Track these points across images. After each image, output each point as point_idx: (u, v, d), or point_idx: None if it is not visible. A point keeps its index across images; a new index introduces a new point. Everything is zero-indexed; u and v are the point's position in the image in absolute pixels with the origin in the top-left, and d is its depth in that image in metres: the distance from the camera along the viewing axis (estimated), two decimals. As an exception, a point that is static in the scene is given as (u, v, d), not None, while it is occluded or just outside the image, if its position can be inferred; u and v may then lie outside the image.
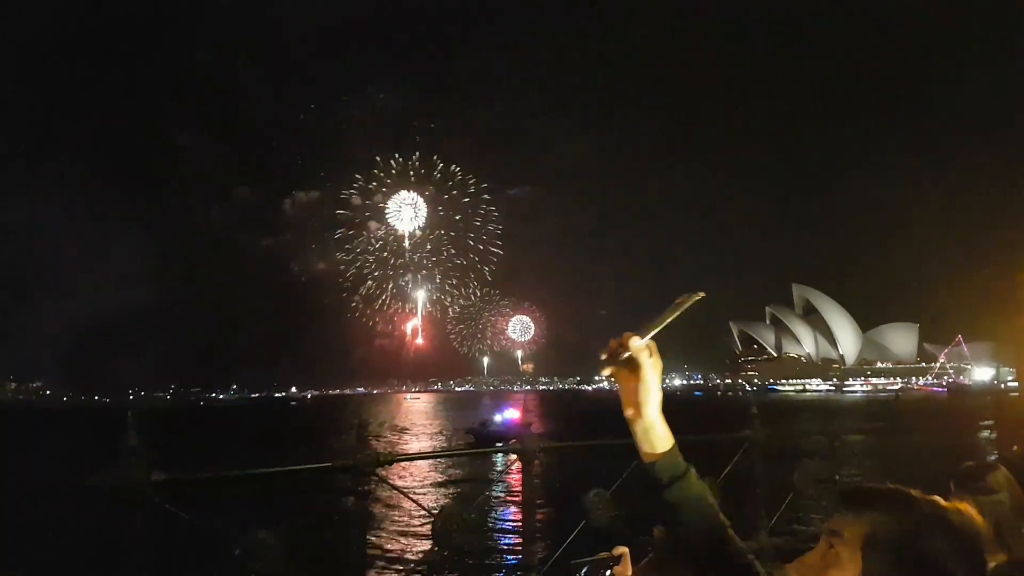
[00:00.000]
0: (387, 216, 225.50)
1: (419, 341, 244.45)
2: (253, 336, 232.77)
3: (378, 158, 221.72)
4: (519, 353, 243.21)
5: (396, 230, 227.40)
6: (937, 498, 1.18)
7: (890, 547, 1.13)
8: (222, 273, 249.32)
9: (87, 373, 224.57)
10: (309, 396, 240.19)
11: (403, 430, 63.53)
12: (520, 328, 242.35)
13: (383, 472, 4.14)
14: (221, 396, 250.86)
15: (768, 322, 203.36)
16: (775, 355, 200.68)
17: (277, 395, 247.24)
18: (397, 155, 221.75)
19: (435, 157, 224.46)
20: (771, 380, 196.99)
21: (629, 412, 1.34)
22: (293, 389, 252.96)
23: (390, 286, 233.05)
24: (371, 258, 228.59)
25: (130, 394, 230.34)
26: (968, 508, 1.19)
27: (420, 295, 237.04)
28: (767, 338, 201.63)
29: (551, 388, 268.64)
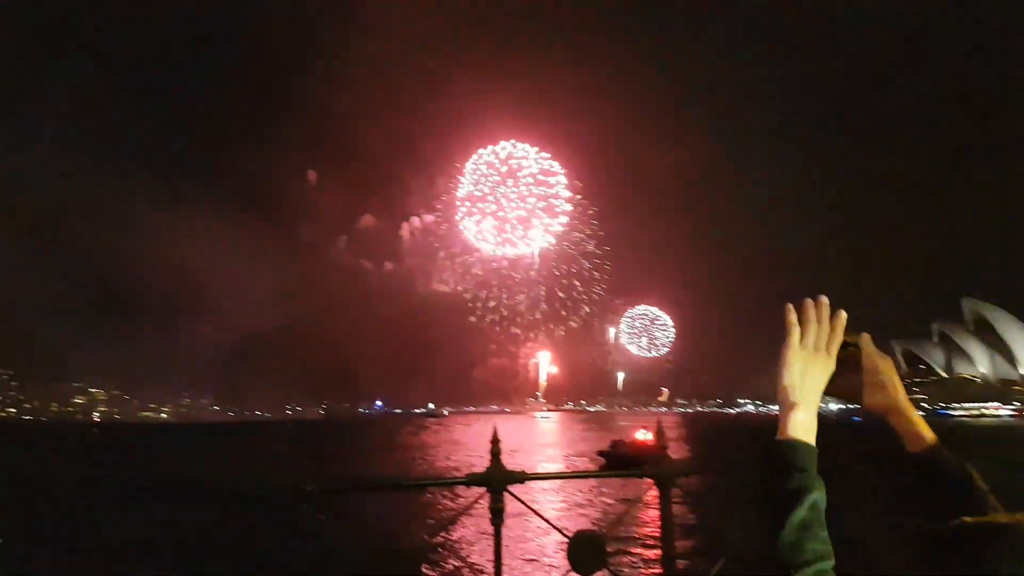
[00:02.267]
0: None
1: (536, 359, 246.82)
2: (387, 355, 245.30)
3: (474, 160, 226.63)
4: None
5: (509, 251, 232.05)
6: None
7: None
8: (356, 296, 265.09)
9: (249, 391, 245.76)
10: (447, 412, 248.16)
11: (534, 449, 63.79)
12: (655, 337, 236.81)
13: (515, 490, 4.13)
14: (367, 412, 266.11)
15: (935, 340, 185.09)
16: (945, 376, 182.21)
17: (417, 411, 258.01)
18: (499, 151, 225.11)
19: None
20: (941, 404, 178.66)
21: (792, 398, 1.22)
22: (431, 405, 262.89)
23: (510, 305, 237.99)
24: (487, 279, 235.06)
25: (288, 410, 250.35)
26: None
27: (541, 309, 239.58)
28: (935, 358, 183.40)
29: (689, 410, 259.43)
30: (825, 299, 1.28)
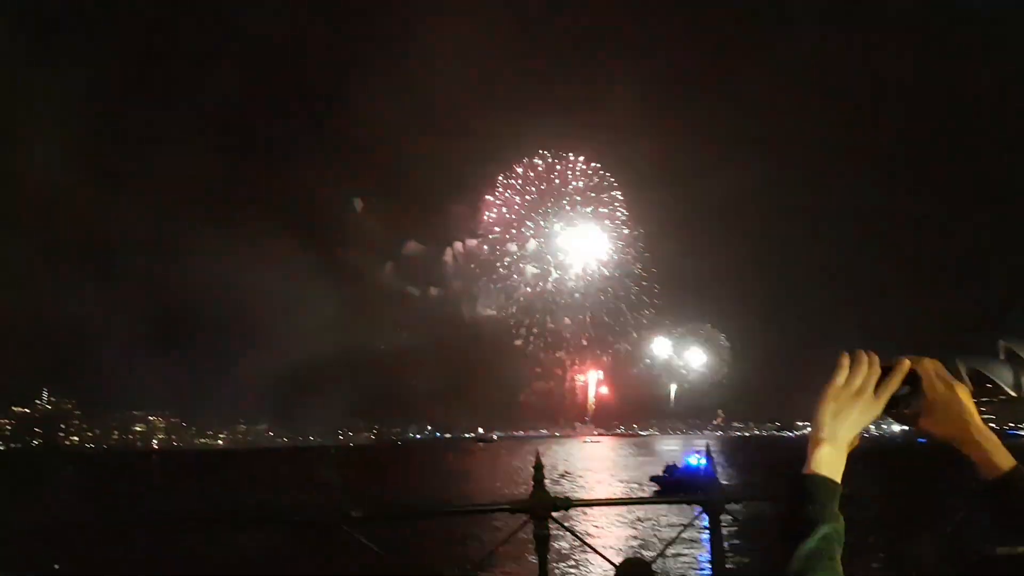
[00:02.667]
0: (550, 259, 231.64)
1: (584, 380, 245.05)
2: (435, 380, 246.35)
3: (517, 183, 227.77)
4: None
5: (552, 273, 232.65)
6: None
7: None
8: (403, 322, 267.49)
9: (300, 416, 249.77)
10: (496, 437, 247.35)
11: (581, 475, 62.92)
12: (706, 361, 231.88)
13: (560, 517, 4.05)
14: (418, 436, 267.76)
15: (1002, 357, 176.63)
16: (1014, 395, 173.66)
17: (466, 435, 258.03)
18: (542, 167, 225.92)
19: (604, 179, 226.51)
20: (1010, 424, 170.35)
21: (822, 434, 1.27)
22: (480, 430, 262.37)
23: (555, 330, 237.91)
24: (531, 302, 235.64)
25: (339, 434, 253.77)
26: None
27: (587, 334, 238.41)
28: (1002, 376, 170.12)
29: (746, 434, 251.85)
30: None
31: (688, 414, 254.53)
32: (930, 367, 1.33)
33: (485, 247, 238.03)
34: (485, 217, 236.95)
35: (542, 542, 3.97)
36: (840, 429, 1.26)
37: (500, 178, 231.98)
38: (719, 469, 4.25)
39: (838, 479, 1.23)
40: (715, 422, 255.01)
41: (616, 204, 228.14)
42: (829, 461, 1.24)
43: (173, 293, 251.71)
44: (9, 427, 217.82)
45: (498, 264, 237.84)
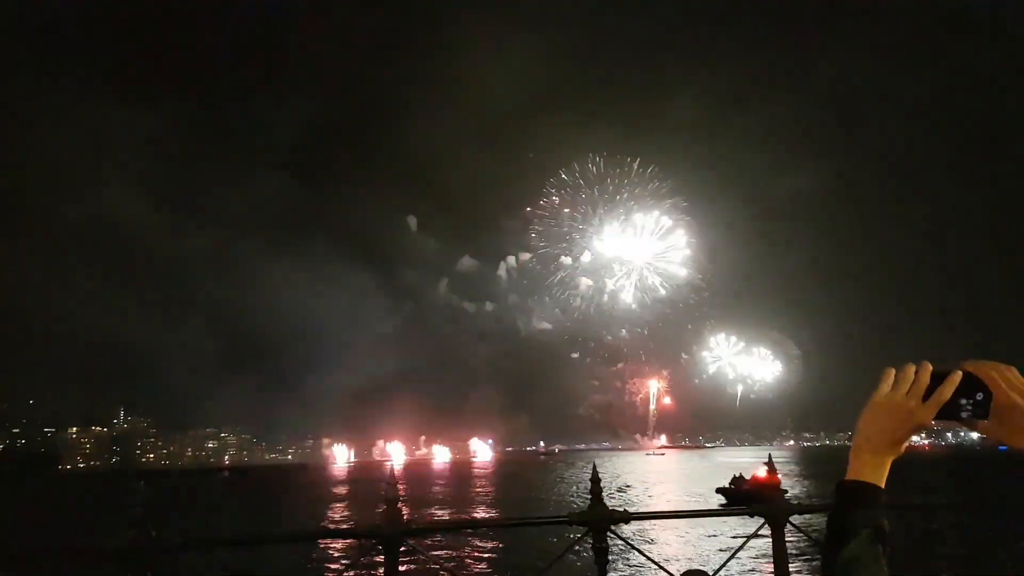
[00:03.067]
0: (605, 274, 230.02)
1: (646, 391, 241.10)
2: (492, 395, 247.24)
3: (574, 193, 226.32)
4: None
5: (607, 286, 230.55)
6: None
7: None
8: (458, 338, 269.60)
9: (366, 432, 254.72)
10: (557, 450, 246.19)
11: (643, 487, 61.86)
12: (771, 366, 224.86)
13: (619, 530, 4.04)
14: (480, 450, 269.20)
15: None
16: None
17: (528, 448, 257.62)
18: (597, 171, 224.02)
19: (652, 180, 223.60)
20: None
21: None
22: (542, 443, 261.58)
23: (612, 342, 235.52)
24: (587, 315, 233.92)
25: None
26: None
27: (645, 346, 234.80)
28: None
29: (816, 444, 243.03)
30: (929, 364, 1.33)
31: (756, 424, 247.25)
32: (998, 373, 1.28)
33: (538, 263, 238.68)
34: (538, 230, 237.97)
35: (601, 554, 3.97)
36: (882, 438, 1.30)
37: (553, 189, 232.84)
38: (785, 480, 4.18)
39: (880, 485, 1.28)
40: (784, 432, 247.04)
41: (676, 211, 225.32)
42: (870, 468, 1.29)
43: (241, 316, 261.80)
44: (89, 446, 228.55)
45: (552, 277, 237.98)
